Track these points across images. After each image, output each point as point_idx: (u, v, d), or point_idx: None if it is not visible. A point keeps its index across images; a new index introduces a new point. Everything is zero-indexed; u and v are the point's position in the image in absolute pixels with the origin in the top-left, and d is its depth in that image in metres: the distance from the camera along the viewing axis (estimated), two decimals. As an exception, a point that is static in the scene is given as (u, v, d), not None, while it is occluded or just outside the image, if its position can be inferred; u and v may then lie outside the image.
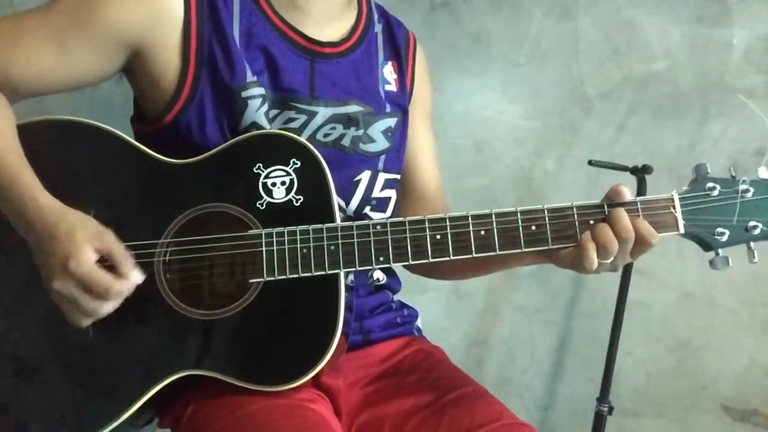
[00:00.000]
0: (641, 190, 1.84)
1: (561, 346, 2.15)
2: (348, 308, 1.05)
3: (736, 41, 2.00)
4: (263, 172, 1.05)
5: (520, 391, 2.16)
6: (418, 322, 1.32)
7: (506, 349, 2.17)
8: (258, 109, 1.09)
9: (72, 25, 1.06)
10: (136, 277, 0.99)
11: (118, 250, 0.98)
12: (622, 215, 1.00)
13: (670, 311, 2.07)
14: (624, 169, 1.88)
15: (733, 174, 1.03)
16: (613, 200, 1.02)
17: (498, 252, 1.03)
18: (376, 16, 1.26)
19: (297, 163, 1.05)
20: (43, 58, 1.06)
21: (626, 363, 2.06)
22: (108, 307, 0.98)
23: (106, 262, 0.97)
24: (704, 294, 2.05)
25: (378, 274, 1.21)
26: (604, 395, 1.88)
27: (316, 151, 1.06)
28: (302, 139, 1.08)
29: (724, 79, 2.01)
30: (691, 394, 2.08)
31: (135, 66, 1.11)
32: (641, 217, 1.01)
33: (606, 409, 1.87)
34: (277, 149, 1.06)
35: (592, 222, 1.01)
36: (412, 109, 1.29)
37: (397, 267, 1.15)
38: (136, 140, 1.10)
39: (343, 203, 1.15)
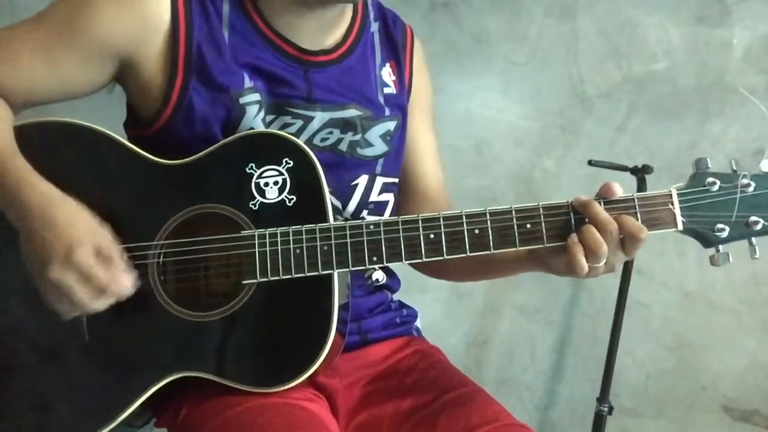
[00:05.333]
0: (641, 189, 1.83)
1: (561, 346, 2.14)
2: (344, 307, 1.05)
3: (736, 41, 1.99)
4: (256, 172, 1.04)
5: (520, 391, 2.16)
6: (418, 322, 1.32)
7: (506, 349, 2.17)
8: (255, 116, 1.08)
9: (60, 38, 1.05)
10: (128, 279, 0.98)
11: (116, 248, 0.98)
12: (598, 210, 0.98)
13: (670, 311, 2.07)
14: (624, 169, 1.88)
15: (735, 168, 1.00)
16: (605, 198, 1.00)
17: (492, 251, 1.01)
18: (372, 15, 1.24)
19: (290, 163, 1.04)
20: (32, 70, 1.06)
21: (626, 363, 2.06)
22: (100, 305, 0.96)
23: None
24: (704, 294, 2.05)
25: (378, 275, 1.21)
26: (604, 395, 1.88)
27: (309, 151, 1.04)
28: (294, 138, 1.07)
29: (724, 79, 2.01)
30: (691, 394, 2.08)
31: (125, 74, 1.10)
32: (639, 214, 0.99)
33: (606, 409, 1.87)
34: (270, 149, 1.05)
35: (587, 220, 0.99)
36: (411, 107, 1.27)
37: (398, 266, 1.13)
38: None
39: (340, 206, 1.14)
